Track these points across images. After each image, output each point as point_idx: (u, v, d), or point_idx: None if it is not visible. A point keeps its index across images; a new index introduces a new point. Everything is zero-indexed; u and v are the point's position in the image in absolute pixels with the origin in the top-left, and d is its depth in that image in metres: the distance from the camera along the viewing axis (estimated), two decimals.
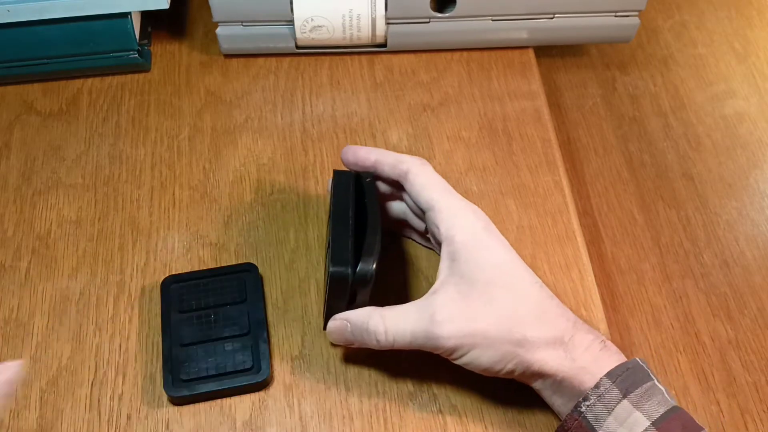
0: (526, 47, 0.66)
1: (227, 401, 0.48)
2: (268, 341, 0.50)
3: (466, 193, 0.57)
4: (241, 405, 0.48)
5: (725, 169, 0.69)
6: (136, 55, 0.63)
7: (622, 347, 0.60)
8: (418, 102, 0.63)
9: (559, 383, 0.44)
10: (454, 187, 0.57)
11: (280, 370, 0.50)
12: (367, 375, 0.49)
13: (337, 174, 0.49)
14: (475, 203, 0.57)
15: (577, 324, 0.45)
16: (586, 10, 0.63)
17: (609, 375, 0.42)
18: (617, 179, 0.68)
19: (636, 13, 0.63)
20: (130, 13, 0.60)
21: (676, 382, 0.58)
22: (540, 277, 0.53)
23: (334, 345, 0.50)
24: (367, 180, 0.49)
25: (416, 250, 0.55)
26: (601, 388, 0.41)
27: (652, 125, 0.71)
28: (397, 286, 0.53)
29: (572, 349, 0.43)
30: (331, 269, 0.45)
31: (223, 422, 0.48)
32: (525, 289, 0.45)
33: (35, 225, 0.56)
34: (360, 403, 0.48)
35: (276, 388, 0.49)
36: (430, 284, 0.46)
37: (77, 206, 0.57)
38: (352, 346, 0.48)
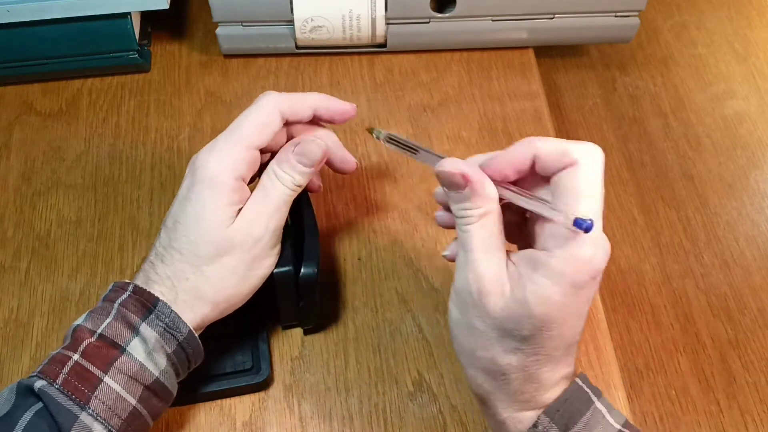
0: (526, 47, 0.66)
1: (227, 401, 0.48)
2: (268, 342, 0.50)
3: None
4: (241, 405, 0.48)
5: (725, 169, 0.69)
6: (136, 55, 0.63)
7: (623, 347, 0.60)
8: (418, 102, 0.62)
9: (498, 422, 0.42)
10: None
11: (280, 370, 0.50)
12: (367, 375, 0.49)
13: None
14: None
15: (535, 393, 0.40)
16: (586, 10, 0.63)
17: (547, 412, 0.39)
18: (617, 179, 0.68)
19: (636, 13, 0.63)
20: (130, 13, 0.60)
21: (676, 382, 0.58)
22: None
23: (331, 346, 0.50)
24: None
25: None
26: (540, 428, 0.39)
27: (652, 125, 0.71)
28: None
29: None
30: (275, 271, 0.46)
31: (222, 422, 0.48)
32: (544, 339, 0.38)
33: (35, 225, 0.56)
34: (360, 404, 0.48)
35: (276, 389, 0.49)
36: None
37: (77, 206, 0.57)
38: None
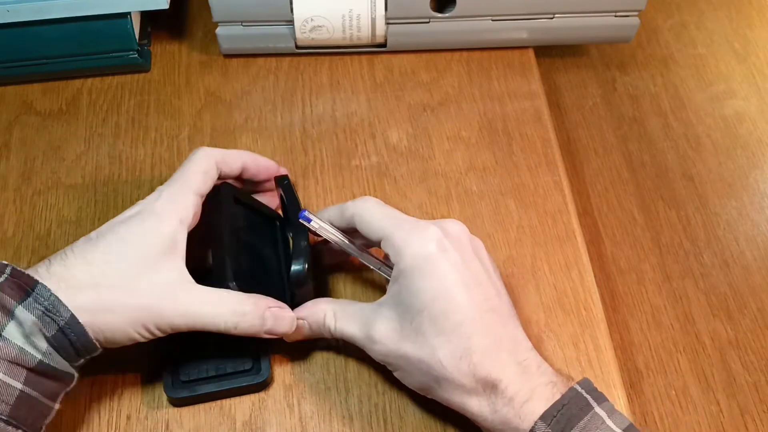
0: (526, 47, 0.66)
1: (227, 402, 0.48)
2: (268, 341, 0.50)
3: (465, 193, 0.57)
4: (241, 405, 0.48)
5: (725, 169, 0.69)
6: (136, 55, 0.63)
7: (623, 347, 0.60)
8: (418, 102, 0.63)
9: (486, 428, 0.43)
10: (454, 187, 0.58)
11: (280, 370, 0.50)
12: (367, 375, 0.49)
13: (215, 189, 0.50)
14: (475, 203, 0.57)
15: (519, 364, 0.42)
16: (586, 10, 0.63)
17: (543, 417, 0.40)
18: (617, 179, 0.68)
19: (636, 13, 0.63)
20: (129, 13, 0.60)
21: (676, 382, 0.58)
22: (540, 278, 0.53)
23: (333, 346, 0.50)
24: (285, 183, 0.52)
25: None
26: None
27: (652, 125, 0.71)
28: None
29: (497, 399, 0.42)
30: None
31: (222, 423, 0.48)
32: (455, 324, 0.42)
33: (35, 225, 0.56)
34: (360, 404, 0.49)
35: (276, 389, 0.49)
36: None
37: (77, 206, 0.57)
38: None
